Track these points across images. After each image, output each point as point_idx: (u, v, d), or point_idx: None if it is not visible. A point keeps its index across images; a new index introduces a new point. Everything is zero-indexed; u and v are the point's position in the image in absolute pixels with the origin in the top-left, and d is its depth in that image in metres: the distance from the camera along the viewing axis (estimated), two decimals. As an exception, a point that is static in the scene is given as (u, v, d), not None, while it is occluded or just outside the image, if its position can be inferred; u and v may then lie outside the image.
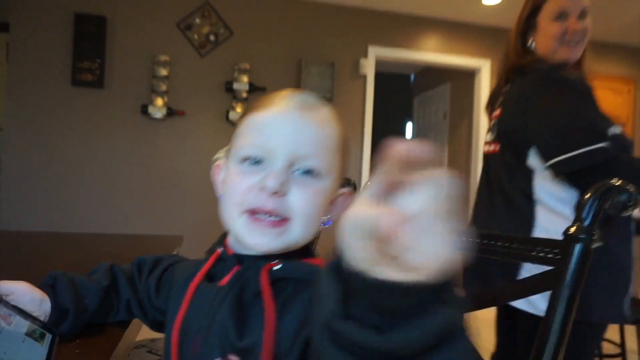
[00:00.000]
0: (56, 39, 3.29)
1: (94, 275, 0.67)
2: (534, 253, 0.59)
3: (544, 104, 1.14)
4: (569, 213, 1.11)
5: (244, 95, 3.49)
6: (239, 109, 3.47)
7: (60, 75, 3.30)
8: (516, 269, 1.14)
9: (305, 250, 0.54)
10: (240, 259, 0.53)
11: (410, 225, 0.24)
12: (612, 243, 1.13)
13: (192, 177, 3.47)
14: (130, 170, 3.41)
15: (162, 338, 1.41)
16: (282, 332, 0.46)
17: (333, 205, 0.54)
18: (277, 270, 0.50)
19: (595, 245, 0.54)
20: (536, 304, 1.11)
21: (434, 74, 5.07)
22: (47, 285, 0.61)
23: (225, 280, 0.52)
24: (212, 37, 3.51)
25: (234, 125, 3.40)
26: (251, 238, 0.50)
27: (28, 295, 0.59)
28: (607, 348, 2.73)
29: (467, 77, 4.30)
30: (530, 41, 1.29)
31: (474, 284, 1.25)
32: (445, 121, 4.84)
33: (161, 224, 3.38)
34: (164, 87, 3.39)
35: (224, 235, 0.59)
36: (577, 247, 0.54)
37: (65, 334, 0.59)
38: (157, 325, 0.68)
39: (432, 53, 3.98)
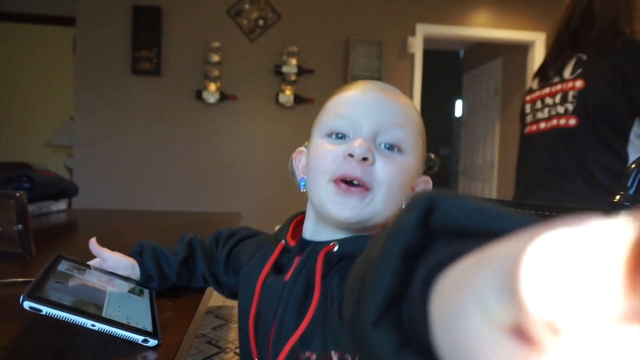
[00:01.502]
0: (117, 31, 3.50)
1: (176, 245, 0.76)
2: (579, 221, 0.63)
3: None
4: None
5: (293, 78, 3.57)
6: (288, 92, 3.56)
7: (122, 65, 3.52)
8: None
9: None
10: (303, 248, 0.55)
11: None
12: None
13: (245, 158, 3.62)
14: (187, 152, 3.60)
15: (226, 305, 1.53)
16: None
17: (413, 192, 0.54)
18: (334, 252, 0.50)
19: (640, 212, 0.57)
20: None
21: (484, 50, 4.91)
22: (137, 253, 0.72)
23: (289, 274, 0.53)
24: (260, 22, 3.60)
25: (283, 107, 3.49)
26: (335, 206, 0.50)
27: (122, 263, 0.70)
28: None
29: (520, 51, 4.14)
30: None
31: None
32: (497, 97, 4.70)
33: (216, 203, 3.57)
34: (216, 73, 3.52)
35: (289, 222, 0.61)
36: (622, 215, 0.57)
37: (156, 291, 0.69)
38: (233, 296, 0.75)
39: (483, 28, 3.87)
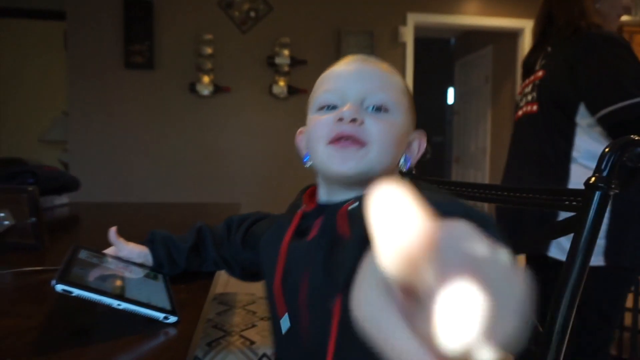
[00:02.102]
0: (108, 24, 3.50)
1: (185, 234, 0.81)
2: (558, 202, 0.68)
3: (594, 61, 1.21)
4: None
5: (286, 69, 3.59)
6: (281, 83, 3.59)
7: (114, 59, 3.52)
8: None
9: None
10: (322, 210, 0.58)
11: None
12: None
13: (240, 149, 3.66)
14: (182, 145, 3.63)
15: (228, 292, 1.59)
16: None
17: (409, 148, 0.61)
18: (354, 208, 0.52)
19: (613, 192, 0.63)
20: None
21: (475, 37, 4.95)
22: (148, 242, 0.77)
23: (312, 234, 0.56)
24: (252, 14, 3.61)
25: (277, 99, 3.52)
26: (335, 163, 0.55)
27: (136, 252, 0.75)
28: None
29: (510, 38, 4.19)
30: (598, 4, 1.32)
31: (512, 234, 1.35)
32: (488, 85, 4.75)
33: (212, 194, 3.61)
34: (209, 65, 3.54)
35: (303, 191, 0.66)
36: (597, 195, 0.63)
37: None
38: (245, 276, 0.81)
39: (473, 16, 3.91)
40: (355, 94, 0.57)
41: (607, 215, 1.19)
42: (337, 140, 0.55)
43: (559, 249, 1.22)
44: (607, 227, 1.19)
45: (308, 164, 0.63)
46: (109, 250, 0.75)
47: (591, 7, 1.31)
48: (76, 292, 0.51)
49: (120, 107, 3.56)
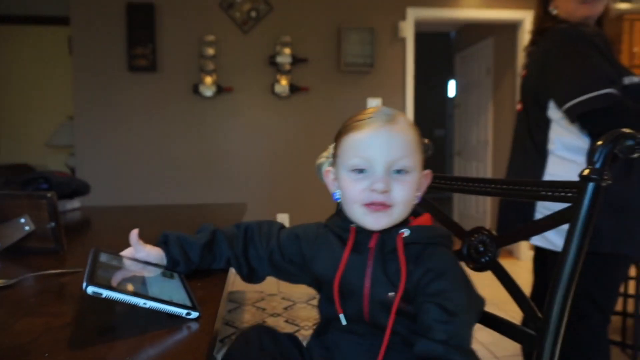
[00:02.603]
0: (111, 29, 3.53)
1: (198, 234, 0.85)
2: (555, 194, 0.72)
3: (560, 57, 1.27)
4: (580, 160, 1.24)
5: (287, 67, 3.62)
6: (283, 82, 3.62)
7: (118, 62, 3.56)
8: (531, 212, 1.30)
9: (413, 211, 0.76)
10: (373, 231, 0.74)
11: None
12: (637, 187, 1.24)
13: (244, 149, 3.70)
14: (186, 146, 3.67)
15: (237, 290, 1.63)
16: (411, 280, 0.69)
17: (420, 186, 0.75)
18: (407, 236, 0.71)
19: (606, 183, 0.66)
20: (553, 241, 1.26)
21: (475, 30, 4.96)
22: (162, 243, 0.81)
23: (373, 243, 0.74)
24: (253, 14, 3.64)
25: (279, 97, 3.56)
26: (369, 221, 0.71)
27: (152, 253, 0.79)
28: None
29: (510, 30, 4.20)
30: (551, 7, 1.39)
31: (507, 225, 1.42)
32: (489, 77, 4.76)
33: (218, 195, 3.65)
34: (212, 66, 3.58)
35: (338, 213, 0.81)
36: (591, 186, 0.66)
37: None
38: (251, 278, 0.87)
39: (473, 9, 3.92)
40: (383, 162, 0.70)
41: None
42: (370, 204, 0.71)
43: (541, 236, 1.28)
44: None
45: (337, 200, 0.78)
46: (125, 252, 0.79)
47: (546, 10, 1.39)
48: (105, 293, 0.55)
49: (125, 110, 3.61)
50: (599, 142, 0.67)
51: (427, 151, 1.03)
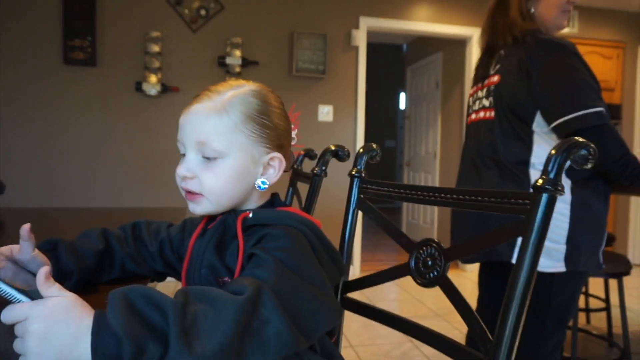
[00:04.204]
0: (46, 17, 3.27)
1: (84, 240, 0.73)
2: (506, 205, 0.67)
3: (549, 70, 1.22)
4: (564, 176, 1.20)
5: (237, 69, 3.51)
6: (232, 84, 3.50)
7: (52, 54, 3.30)
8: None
9: (276, 202, 0.72)
10: (223, 214, 0.69)
11: None
12: (594, 200, 1.23)
13: (189, 153, 3.53)
14: (127, 147, 3.45)
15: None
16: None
17: (265, 169, 0.68)
18: (248, 218, 0.64)
19: (559, 194, 0.62)
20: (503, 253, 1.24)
21: (426, 44, 5.07)
22: (46, 251, 0.67)
23: (212, 224, 0.69)
24: (202, 12, 3.50)
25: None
26: (189, 206, 0.67)
27: (37, 262, 0.63)
28: (594, 303, 2.88)
29: (459, 45, 4.32)
30: (531, 8, 1.34)
31: (460, 237, 1.36)
32: (438, 90, 4.87)
33: (159, 198, 3.45)
34: (157, 64, 3.40)
35: None
36: (544, 197, 0.62)
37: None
38: (157, 274, 0.79)
39: (424, 23, 3.99)
40: (185, 147, 0.66)
41: (567, 220, 1.22)
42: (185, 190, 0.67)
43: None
44: (567, 232, 1.21)
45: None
46: (3, 249, 0.63)
47: (525, 13, 1.33)
48: None
49: (58, 106, 3.34)
50: (553, 151, 0.63)
51: (375, 156, 0.97)
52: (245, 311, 0.46)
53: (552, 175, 0.62)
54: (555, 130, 1.21)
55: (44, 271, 0.44)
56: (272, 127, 0.67)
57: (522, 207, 0.65)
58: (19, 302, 0.43)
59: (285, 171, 0.72)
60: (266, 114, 0.66)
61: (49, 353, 0.40)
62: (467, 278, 3.82)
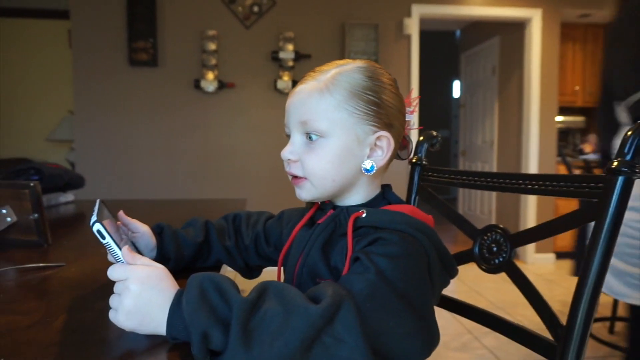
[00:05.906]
0: (112, 22, 3.48)
1: (189, 228, 0.79)
2: (578, 189, 0.65)
3: None
4: None
5: (290, 63, 3.56)
6: (285, 78, 3.56)
7: (119, 56, 3.51)
8: None
9: (388, 195, 0.67)
10: (334, 207, 0.66)
11: None
12: None
13: (245, 145, 3.64)
14: (187, 141, 3.61)
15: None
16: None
17: (373, 151, 0.63)
18: (361, 218, 0.59)
19: (636, 177, 0.59)
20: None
21: (480, 29, 4.89)
22: (156, 234, 0.74)
23: (322, 219, 0.66)
24: (255, 8, 3.58)
25: (281, 93, 3.50)
26: (295, 191, 0.65)
27: (146, 241, 0.73)
28: None
29: (517, 29, 4.13)
30: None
31: None
32: (494, 77, 4.69)
33: (219, 191, 3.59)
34: (213, 61, 3.52)
35: None
36: (620, 180, 0.60)
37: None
38: (246, 272, 0.81)
39: (479, 6, 3.85)
40: (290, 129, 0.64)
41: None
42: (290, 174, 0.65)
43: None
44: None
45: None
46: (124, 217, 0.74)
47: None
48: (108, 238, 0.49)
49: (125, 105, 3.55)
50: (630, 132, 0.60)
51: (436, 144, 0.97)
52: (315, 325, 0.43)
53: (628, 157, 0.60)
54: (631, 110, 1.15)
55: (127, 247, 0.50)
56: (379, 104, 0.62)
57: (594, 190, 0.63)
58: (123, 263, 0.50)
59: (402, 158, 0.68)
60: (373, 90, 0.62)
61: (135, 315, 0.46)
62: (528, 270, 3.68)
